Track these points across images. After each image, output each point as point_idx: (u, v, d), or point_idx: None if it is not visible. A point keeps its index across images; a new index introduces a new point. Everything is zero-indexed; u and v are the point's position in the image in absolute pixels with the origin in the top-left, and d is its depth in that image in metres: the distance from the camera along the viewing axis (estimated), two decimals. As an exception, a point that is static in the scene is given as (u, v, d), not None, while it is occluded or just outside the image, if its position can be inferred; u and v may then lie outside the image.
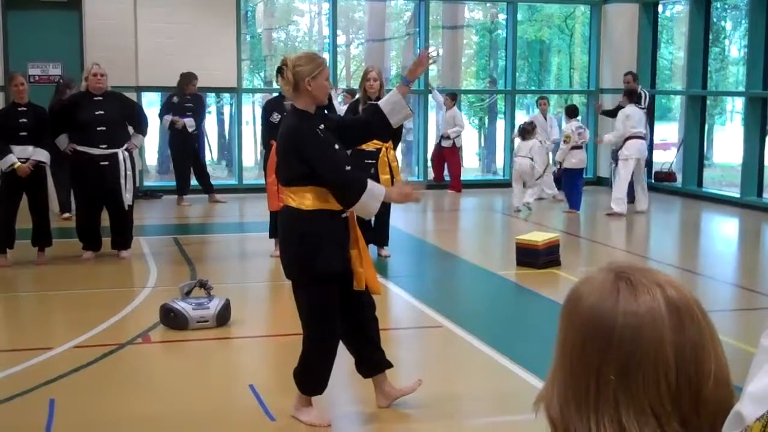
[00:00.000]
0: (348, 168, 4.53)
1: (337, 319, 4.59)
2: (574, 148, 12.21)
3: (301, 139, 4.46)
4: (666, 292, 1.31)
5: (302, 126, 4.48)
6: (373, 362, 4.85)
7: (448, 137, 14.17)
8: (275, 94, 9.68)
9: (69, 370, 5.49)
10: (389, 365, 4.88)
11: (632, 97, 12.36)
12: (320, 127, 4.52)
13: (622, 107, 13.04)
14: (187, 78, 12.67)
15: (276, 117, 8.99)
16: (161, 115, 12.82)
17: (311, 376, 4.66)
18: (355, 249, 4.60)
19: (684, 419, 1.27)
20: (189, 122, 12.69)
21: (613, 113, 13.70)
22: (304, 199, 4.48)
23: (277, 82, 10.13)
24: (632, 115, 12.08)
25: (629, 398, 1.27)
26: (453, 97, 14.35)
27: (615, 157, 13.79)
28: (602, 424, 1.27)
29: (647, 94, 13.17)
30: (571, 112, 12.66)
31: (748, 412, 1.18)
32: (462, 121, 14.59)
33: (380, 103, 4.82)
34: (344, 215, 4.59)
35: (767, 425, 1.16)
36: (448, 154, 14.45)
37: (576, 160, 12.24)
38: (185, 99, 12.70)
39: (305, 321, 4.61)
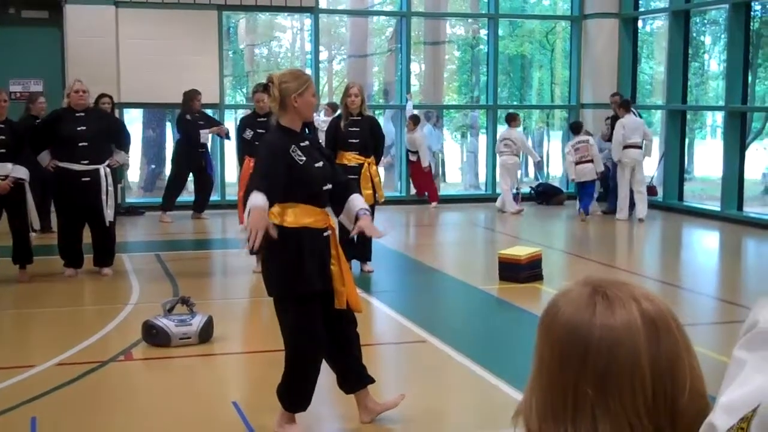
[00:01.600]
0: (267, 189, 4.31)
1: (319, 336, 4.59)
2: (579, 163, 12.96)
3: (260, 148, 4.55)
4: (642, 306, 1.33)
5: (273, 140, 4.51)
6: (355, 378, 4.84)
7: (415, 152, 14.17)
8: (249, 111, 9.75)
9: (51, 387, 5.46)
10: (371, 380, 4.88)
11: (628, 107, 13.00)
12: (302, 144, 4.53)
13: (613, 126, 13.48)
14: (190, 95, 12.56)
15: (249, 133, 9.02)
16: (189, 134, 12.51)
17: (294, 393, 4.65)
18: (336, 267, 4.61)
19: (660, 431, 1.29)
20: (227, 130, 12.81)
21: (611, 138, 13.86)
22: (286, 216, 4.48)
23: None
24: (627, 125, 12.75)
25: (606, 411, 1.28)
26: (415, 121, 14.12)
27: (598, 174, 13.90)
28: (579, 436, 1.29)
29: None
30: (574, 128, 13.37)
31: (721, 422, 1.19)
32: (422, 146, 14.02)
33: (346, 206, 4.70)
34: (326, 233, 4.60)
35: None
36: (416, 169, 14.41)
37: (581, 173, 12.99)
38: (196, 117, 12.61)
39: (287, 338, 4.60)
